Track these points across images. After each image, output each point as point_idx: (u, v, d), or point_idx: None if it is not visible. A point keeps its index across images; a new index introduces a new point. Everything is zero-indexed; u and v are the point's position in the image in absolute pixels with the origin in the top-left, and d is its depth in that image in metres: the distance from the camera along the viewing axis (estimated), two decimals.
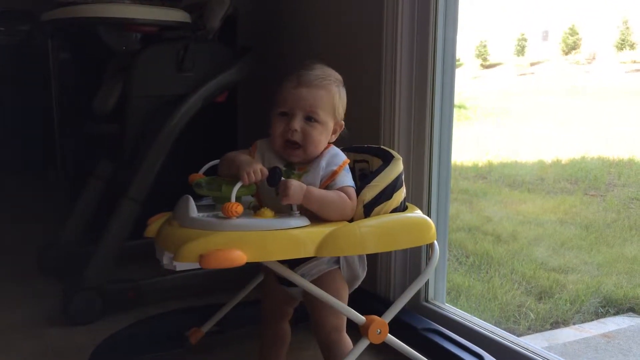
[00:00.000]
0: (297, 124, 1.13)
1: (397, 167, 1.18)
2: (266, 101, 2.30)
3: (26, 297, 1.88)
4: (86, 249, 1.85)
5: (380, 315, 1.15)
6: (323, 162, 1.15)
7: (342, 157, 1.17)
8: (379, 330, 1.12)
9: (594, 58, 10.19)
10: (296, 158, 1.15)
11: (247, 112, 2.39)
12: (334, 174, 1.13)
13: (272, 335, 1.32)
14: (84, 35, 1.95)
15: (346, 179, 1.14)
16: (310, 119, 1.14)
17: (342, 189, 1.11)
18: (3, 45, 3.89)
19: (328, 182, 1.13)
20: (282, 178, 1.07)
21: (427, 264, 1.19)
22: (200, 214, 1.07)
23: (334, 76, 1.20)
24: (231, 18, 2.04)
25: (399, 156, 1.20)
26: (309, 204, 1.06)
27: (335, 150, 1.19)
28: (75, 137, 2.70)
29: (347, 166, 1.16)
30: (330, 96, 1.16)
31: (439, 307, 1.59)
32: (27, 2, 3.42)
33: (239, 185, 1.05)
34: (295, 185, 1.05)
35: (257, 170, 1.07)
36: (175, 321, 1.50)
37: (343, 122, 1.21)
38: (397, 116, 1.61)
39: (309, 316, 1.22)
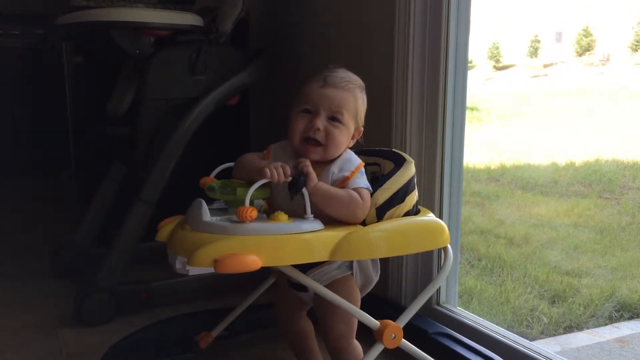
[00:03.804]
0: (321, 122, 1.12)
1: (410, 170, 1.17)
2: (278, 104, 2.31)
3: (40, 298, 1.90)
4: (99, 250, 1.87)
5: (392, 320, 1.14)
6: (334, 168, 1.13)
7: (355, 162, 1.15)
8: (393, 335, 1.11)
9: (608, 59, 10.10)
10: (314, 155, 1.13)
11: (259, 115, 2.40)
12: (345, 179, 1.11)
13: (295, 334, 1.33)
14: (97, 39, 1.96)
15: (360, 181, 1.12)
16: (334, 119, 1.13)
17: (357, 190, 1.10)
18: (18, 48, 3.94)
19: (339, 186, 1.11)
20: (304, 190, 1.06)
21: (440, 268, 1.18)
22: (213, 218, 1.07)
23: (359, 82, 1.20)
24: (243, 21, 2.05)
25: (411, 159, 1.20)
26: (313, 196, 1.06)
27: (349, 154, 1.17)
28: (88, 139, 2.72)
29: (363, 169, 1.15)
30: (355, 100, 1.16)
31: (450, 310, 1.58)
32: (41, 5, 3.46)
33: (254, 188, 1.05)
34: (314, 175, 1.06)
35: (278, 167, 1.06)
36: (185, 325, 1.50)
37: (362, 129, 1.20)
38: (408, 119, 1.60)
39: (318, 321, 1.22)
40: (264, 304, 1.51)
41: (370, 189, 1.12)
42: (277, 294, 1.33)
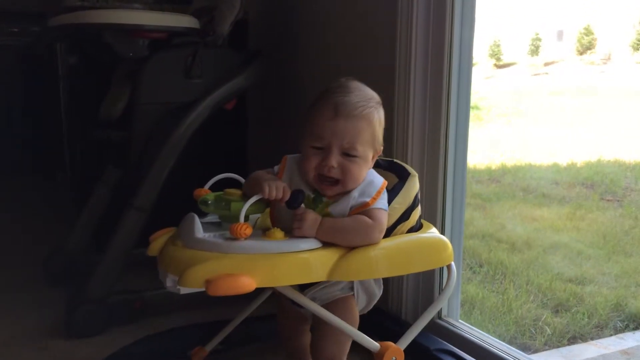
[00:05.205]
0: (335, 160, 1.04)
1: (415, 185, 1.13)
2: (278, 108, 2.26)
3: (30, 306, 1.85)
4: (92, 256, 1.82)
5: (392, 336, 1.10)
6: (355, 192, 1.06)
7: (376, 186, 1.07)
8: (394, 358, 1.07)
9: (609, 58, 10.06)
10: (332, 193, 1.07)
11: (257, 120, 2.35)
12: (365, 205, 1.04)
13: (295, 349, 1.29)
14: (90, 41, 1.91)
15: (378, 203, 1.05)
16: (348, 154, 1.05)
17: (366, 212, 1.04)
18: (15, 46, 3.89)
19: (357, 212, 1.05)
20: (302, 205, 1.02)
21: (443, 281, 1.13)
22: (206, 234, 1.03)
23: (374, 99, 1.10)
24: (242, 22, 2.00)
25: (414, 172, 1.15)
26: (321, 237, 1.01)
27: (371, 176, 1.09)
28: (83, 141, 2.67)
29: (385, 191, 1.08)
30: (370, 127, 1.06)
31: (452, 324, 1.53)
32: (39, 4, 3.41)
33: (249, 204, 1.01)
34: (310, 219, 1.00)
35: (279, 186, 1.02)
36: (179, 339, 1.46)
37: (382, 147, 1.12)
38: (410, 125, 1.55)
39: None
40: (261, 316, 1.47)
41: (387, 209, 1.06)
42: (279, 308, 1.29)
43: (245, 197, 1.05)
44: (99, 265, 1.65)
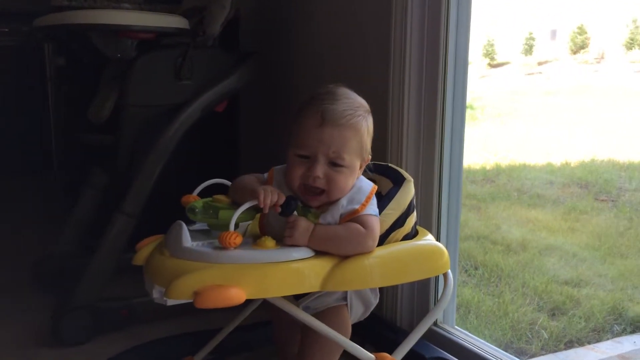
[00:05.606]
0: (320, 170, 1.01)
1: (410, 190, 1.09)
2: (271, 110, 2.23)
3: (19, 312, 1.80)
4: (82, 260, 1.78)
5: (387, 343, 1.08)
6: (344, 200, 1.04)
7: (365, 192, 1.04)
8: None
9: (602, 57, 10.10)
10: (317, 203, 1.04)
11: (249, 122, 2.31)
12: (355, 212, 1.01)
13: (292, 355, 1.25)
14: (77, 41, 1.87)
15: (368, 209, 1.03)
16: (335, 164, 1.02)
17: (358, 218, 1.01)
18: (6, 47, 3.85)
19: (347, 219, 1.02)
20: (295, 213, 0.99)
21: (439, 285, 1.10)
22: (194, 243, 0.99)
23: (363, 107, 1.07)
24: (233, 22, 1.96)
25: (410, 177, 1.12)
26: (313, 246, 0.98)
27: (360, 182, 1.07)
28: (71, 143, 2.63)
29: (374, 196, 1.05)
30: (358, 135, 1.03)
31: (448, 331, 1.50)
32: (29, 3, 3.36)
33: (239, 211, 0.97)
34: (302, 227, 0.97)
35: (274, 192, 0.98)
36: (168, 349, 1.42)
37: (370, 156, 1.09)
38: (405, 128, 1.52)
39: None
40: (252, 324, 1.43)
41: (378, 215, 1.04)
42: (274, 315, 1.26)
43: (234, 204, 1.01)
44: (86, 272, 1.61)
